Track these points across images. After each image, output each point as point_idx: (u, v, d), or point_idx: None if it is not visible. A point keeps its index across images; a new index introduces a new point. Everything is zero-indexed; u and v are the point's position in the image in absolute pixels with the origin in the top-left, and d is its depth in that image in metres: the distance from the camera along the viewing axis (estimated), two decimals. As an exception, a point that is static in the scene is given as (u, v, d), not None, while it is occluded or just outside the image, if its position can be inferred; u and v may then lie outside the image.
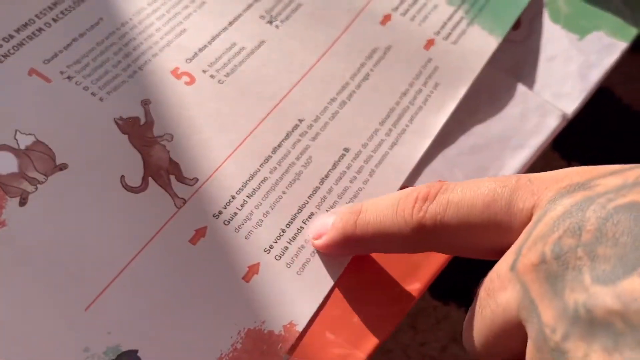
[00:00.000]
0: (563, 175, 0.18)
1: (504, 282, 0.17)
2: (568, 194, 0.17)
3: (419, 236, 0.20)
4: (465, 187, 0.19)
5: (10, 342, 0.20)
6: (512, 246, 0.18)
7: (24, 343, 0.20)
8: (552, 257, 0.16)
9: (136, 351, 0.21)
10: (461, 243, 0.20)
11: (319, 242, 0.23)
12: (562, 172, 0.18)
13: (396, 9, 0.30)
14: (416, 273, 0.24)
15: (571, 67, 0.32)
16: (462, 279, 0.38)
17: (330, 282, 0.23)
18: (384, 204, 0.21)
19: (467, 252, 0.21)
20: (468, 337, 0.19)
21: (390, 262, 0.24)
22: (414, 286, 0.24)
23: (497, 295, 0.17)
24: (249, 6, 0.30)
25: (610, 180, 0.17)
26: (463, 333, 0.20)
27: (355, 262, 0.24)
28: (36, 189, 0.23)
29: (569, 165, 0.51)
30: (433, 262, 0.24)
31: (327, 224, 0.23)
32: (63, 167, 0.24)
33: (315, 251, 0.24)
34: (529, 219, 0.18)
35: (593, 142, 0.51)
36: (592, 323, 0.14)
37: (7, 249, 0.22)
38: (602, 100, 0.33)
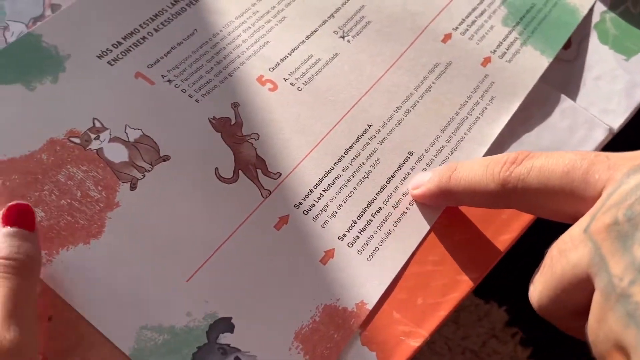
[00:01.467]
0: (637, 155, 0.21)
1: (576, 242, 0.20)
2: None
3: (503, 192, 0.23)
4: (549, 156, 0.22)
5: (128, 305, 0.24)
6: (587, 212, 0.20)
7: (139, 306, 0.24)
8: (624, 219, 0.18)
9: (230, 318, 0.24)
10: (539, 204, 0.23)
11: (417, 191, 0.27)
12: (637, 153, 0.21)
13: (456, 28, 0.33)
14: (473, 266, 0.27)
15: (618, 86, 0.34)
16: (504, 280, 0.40)
17: (397, 269, 0.26)
18: (476, 164, 0.25)
19: (543, 213, 0.23)
20: (536, 292, 0.22)
21: (449, 254, 0.27)
22: (471, 276, 0.27)
23: (569, 254, 0.20)
24: (324, 22, 0.33)
25: None
26: (530, 289, 0.22)
27: (419, 252, 0.27)
28: (144, 176, 0.27)
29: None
30: (491, 256, 0.27)
31: (425, 178, 0.27)
32: (166, 158, 0.28)
33: (383, 240, 0.27)
34: (601, 191, 0.20)
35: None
36: None
37: (122, 226, 0.26)
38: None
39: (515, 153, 0.24)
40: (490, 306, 0.42)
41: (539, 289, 0.21)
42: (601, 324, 0.18)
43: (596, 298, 0.19)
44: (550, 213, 0.23)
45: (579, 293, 0.20)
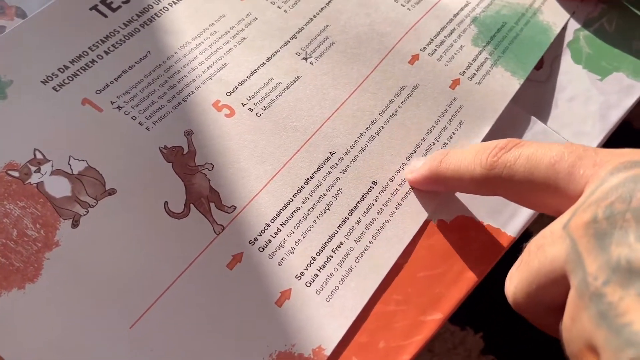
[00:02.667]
0: (625, 153, 0.20)
1: (555, 238, 0.19)
2: (625, 169, 0.19)
3: (488, 178, 0.23)
4: (539, 146, 0.22)
5: (61, 357, 0.22)
6: (569, 209, 0.20)
7: (78, 358, 0.22)
8: (603, 217, 0.18)
9: (176, 368, 0.23)
10: (523, 193, 0.23)
11: (411, 175, 0.28)
12: (626, 150, 0.20)
13: (424, 49, 0.32)
14: (437, 305, 0.25)
15: (592, 107, 0.33)
16: (479, 306, 0.39)
17: (357, 309, 0.25)
18: (467, 150, 0.25)
19: (527, 203, 0.24)
20: (512, 286, 0.21)
21: (412, 294, 0.26)
22: (435, 317, 0.25)
23: (547, 249, 0.20)
24: (286, 43, 0.31)
25: None
26: (506, 283, 0.22)
27: (381, 291, 0.25)
28: (87, 212, 0.25)
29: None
30: (457, 293, 0.26)
31: (419, 164, 0.28)
32: (112, 192, 0.26)
33: (343, 278, 0.25)
34: (584, 187, 0.20)
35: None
36: (630, 272, 0.16)
37: (60, 268, 0.24)
38: (620, 133, 0.35)
39: (506, 140, 0.24)
40: (465, 333, 0.40)
41: (514, 284, 0.21)
42: (575, 323, 0.18)
43: (571, 295, 0.18)
44: (533, 204, 0.23)
45: (554, 289, 0.20)
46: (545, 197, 0.22)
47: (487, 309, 0.39)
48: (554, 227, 0.20)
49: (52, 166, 0.26)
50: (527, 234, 0.27)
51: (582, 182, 0.20)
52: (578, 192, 0.20)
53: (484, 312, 0.39)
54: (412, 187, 0.28)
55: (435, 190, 0.28)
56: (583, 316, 0.17)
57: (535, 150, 0.22)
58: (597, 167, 0.20)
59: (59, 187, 0.26)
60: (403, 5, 0.34)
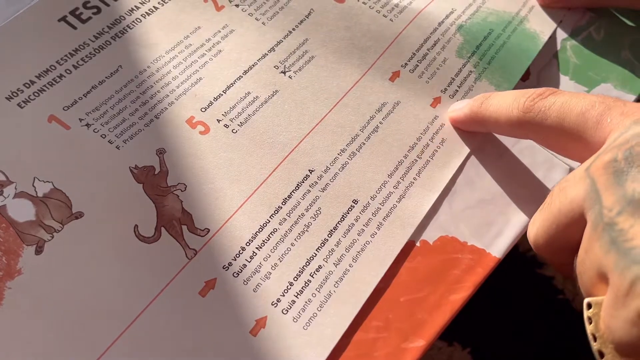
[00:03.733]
0: None
1: (576, 180, 0.21)
2: None
3: (522, 121, 0.25)
4: (573, 95, 0.24)
5: (23, 393, 0.21)
6: (594, 155, 0.21)
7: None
8: (622, 158, 0.19)
9: (144, 404, 0.21)
10: (552, 138, 0.24)
11: (453, 114, 0.29)
12: None
13: (405, 65, 0.31)
14: (420, 331, 0.24)
15: (579, 120, 0.32)
16: (467, 321, 0.38)
17: (335, 338, 0.24)
18: (508, 94, 0.27)
19: (555, 148, 0.25)
20: (533, 228, 0.23)
21: (393, 319, 0.25)
22: (417, 344, 0.24)
23: (568, 190, 0.21)
24: (264, 56, 0.30)
25: None
26: (529, 227, 0.24)
27: (361, 317, 0.24)
28: (52, 237, 0.24)
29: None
30: (437, 320, 0.25)
31: (462, 104, 0.29)
32: (79, 215, 0.25)
33: (322, 304, 0.24)
34: (609, 134, 0.22)
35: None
36: None
37: (23, 298, 0.23)
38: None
39: (544, 88, 0.25)
40: (453, 348, 0.39)
41: (536, 225, 0.23)
42: (587, 254, 0.19)
43: (586, 230, 0.19)
44: (561, 148, 0.25)
45: (573, 229, 0.21)
46: (573, 143, 0.23)
47: (475, 325, 0.38)
48: (577, 171, 0.21)
49: (16, 188, 0.25)
50: (516, 252, 0.26)
51: (608, 129, 0.22)
52: (603, 139, 0.22)
53: (472, 328, 0.39)
54: (455, 126, 0.29)
55: (475, 130, 0.29)
56: (595, 246, 0.19)
57: (569, 98, 0.24)
58: (624, 117, 0.21)
59: (22, 211, 0.24)
60: (385, 16, 0.32)
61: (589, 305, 0.19)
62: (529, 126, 0.25)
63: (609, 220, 0.18)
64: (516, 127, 0.26)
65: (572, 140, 0.23)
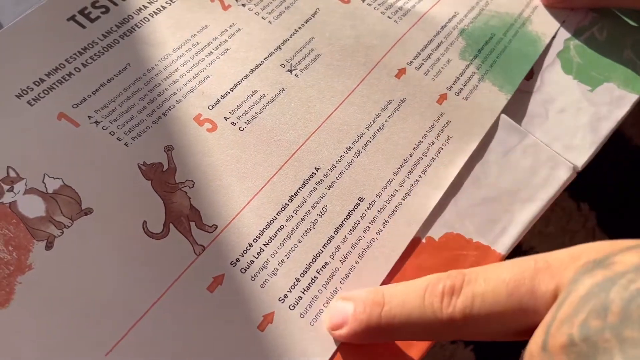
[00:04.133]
0: (579, 253, 0.19)
1: None
2: (588, 273, 0.18)
3: (450, 329, 0.21)
4: (487, 276, 0.21)
5: (34, 386, 0.21)
6: (540, 325, 0.19)
7: (47, 388, 0.21)
8: (580, 339, 0.17)
9: (153, 397, 0.22)
10: (490, 330, 0.21)
11: (341, 332, 0.23)
12: (579, 249, 0.19)
13: (410, 63, 0.31)
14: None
15: (582, 119, 0.32)
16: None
17: (342, 333, 0.24)
18: (408, 296, 0.22)
19: (496, 337, 0.21)
20: None
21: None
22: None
23: None
24: (270, 54, 0.31)
25: (628, 257, 0.17)
26: None
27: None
28: (62, 233, 0.24)
29: (578, 205, 0.51)
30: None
31: (346, 313, 0.23)
32: (88, 211, 0.25)
33: (328, 300, 0.24)
34: (553, 299, 0.19)
35: (602, 180, 0.52)
36: None
37: (33, 293, 0.23)
38: (611, 141, 0.34)
39: (449, 277, 0.21)
40: (456, 346, 0.40)
41: None
42: None
43: None
44: (504, 335, 0.21)
45: None
46: (515, 324, 0.20)
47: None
48: (532, 350, 0.19)
49: (26, 184, 0.25)
50: (519, 250, 0.26)
51: (547, 295, 0.19)
52: (548, 304, 0.19)
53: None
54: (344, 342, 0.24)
55: (375, 342, 0.24)
56: None
57: (485, 284, 0.20)
58: (558, 277, 0.19)
59: (32, 207, 0.25)
60: (390, 18, 0.33)
61: None
62: (460, 331, 0.21)
63: None
64: (442, 335, 0.22)
65: (512, 322, 0.20)
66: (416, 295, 0.22)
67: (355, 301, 0.23)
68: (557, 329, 0.18)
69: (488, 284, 0.20)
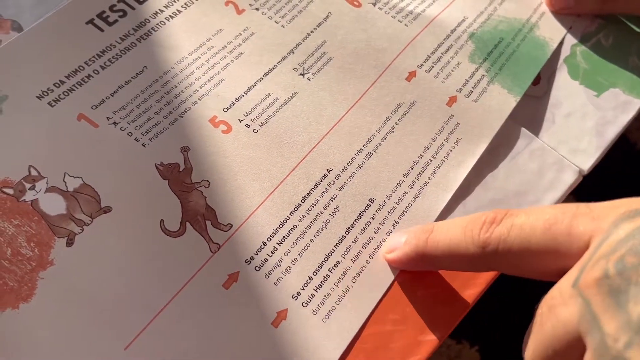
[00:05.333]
0: (621, 203, 0.20)
1: (565, 298, 0.19)
2: (629, 219, 0.18)
3: (484, 255, 0.22)
4: (529, 212, 0.21)
5: (56, 377, 0.22)
6: (575, 265, 0.19)
7: (70, 380, 0.22)
8: (615, 272, 0.17)
9: (171, 390, 0.22)
10: (522, 263, 0.21)
11: (391, 256, 0.25)
12: (620, 201, 0.20)
13: (421, 65, 0.32)
14: (436, 324, 0.25)
15: (588, 124, 0.33)
16: (475, 320, 0.39)
17: (354, 330, 0.25)
18: (453, 225, 0.23)
19: (528, 273, 0.22)
20: (529, 353, 0.20)
21: (410, 313, 0.25)
22: (433, 336, 0.25)
23: (558, 311, 0.19)
24: (283, 58, 0.31)
25: None
26: (523, 349, 0.21)
27: (378, 311, 0.25)
28: (82, 230, 0.25)
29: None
30: (456, 312, 0.26)
31: (399, 241, 0.25)
32: (107, 209, 0.26)
33: (340, 298, 0.25)
34: (588, 243, 0.19)
35: (607, 183, 0.52)
36: None
37: (54, 288, 0.24)
38: (617, 145, 0.35)
39: (494, 212, 0.22)
40: (461, 346, 0.40)
41: (531, 349, 0.20)
42: None
43: (588, 359, 0.17)
44: (534, 272, 0.22)
45: (572, 353, 0.18)
46: (547, 263, 0.21)
47: (483, 323, 0.39)
48: (563, 286, 0.19)
49: (47, 183, 0.26)
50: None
51: (585, 238, 0.19)
52: (582, 248, 0.19)
53: (480, 326, 0.39)
54: (395, 267, 0.26)
55: (420, 270, 0.26)
56: None
57: (526, 218, 0.21)
58: (598, 221, 0.19)
59: (53, 205, 0.25)
60: (400, 22, 0.34)
61: None
62: (493, 260, 0.22)
63: (617, 354, 0.16)
64: (478, 264, 0.23)
65: (544, 259, 0.21)
66: (460, 225, 0.23)
67: (408, 232, 0.25)
68: (592, 266, 0.18)
69: (528, 218, 0.21)
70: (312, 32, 0.33)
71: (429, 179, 0.29)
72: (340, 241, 0.27)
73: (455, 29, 0.34)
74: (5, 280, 0.23)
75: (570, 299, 0.18)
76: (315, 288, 0.25)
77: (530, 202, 0.30)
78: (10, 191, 0.25)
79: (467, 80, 0.32)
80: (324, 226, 0.27)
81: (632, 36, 0.36)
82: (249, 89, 0.30)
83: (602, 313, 0.17)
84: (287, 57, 0.31)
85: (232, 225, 0.26)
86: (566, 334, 0.18)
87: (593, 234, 0.19)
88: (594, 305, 0.17)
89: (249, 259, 0.25)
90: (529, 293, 0.41)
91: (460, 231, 0.23)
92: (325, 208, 0.27)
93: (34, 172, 0.26)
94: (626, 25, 0.37)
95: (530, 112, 0.33)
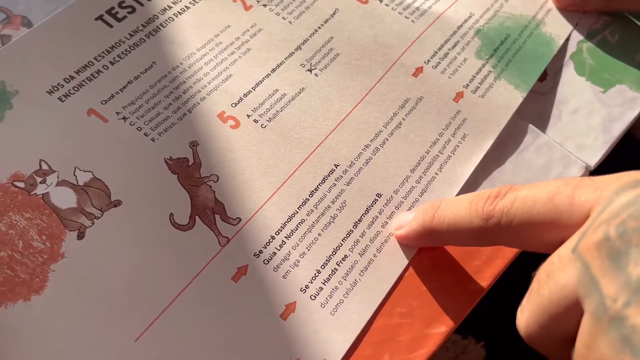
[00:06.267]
0: (622, 175, 0.20)
1: (564, 263, 0.19)
2: (630, 188, 0.19)
3: (487, 228, 0.22)
4: (532, 186, 0.22)
5: (68, 368, 0.22)
6: (576, 232, 0.19)
7: (81, 370, 0.22)
8: (616, 235, 0.17)
9: (181, 381, 0.23)
10: (524, 235, 0.22)
11: (400, 232, 0.26)
12: (621, 174, 0.20)
13: (428, 61, 0.32)
14: (442, 318, 0.25)
15: (594, 120, 0.33)
16: (481, 316, 0.39)
17: (362, 323, 0.25)
18: (460, 201, 0.24)
19: (530, 245, 0.22)
20: (523, 319, 0.20)
21: (416, 306, 0.26)
22: (439, 329, 0.25)
23: (557, 276, 0.19)
24: (291, 54, 0.32)
25: None
26: (517, 316, 0.21)
27: (386, 304, 0.25)
28: (93, 223, 0.25)
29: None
30: (459, 307, 0.26)
31: (408, 218, 0.26)
32: (117, 203, 0.26)
33: (348, 291, 0.25)
34: (588, 213, 0.19)
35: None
36: None
37: (65, 280, 0.24)
38: (623, 141, 0.35)
39: (499, 187, 0.23)
40: (467, 342, 0.40)
41: (526, 316, 0.20)
42: (590, 350, 0.17)
43: (585, 322, 0.17)
44: (537, 244, 0.22)
45: (568, 318, 0.19)
46: (549, 234, 0.21)
47: (489, 318, 0.39)
48: (562, 252, 0.19)
49: (58, 177, 0.26)
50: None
51: (586, 207, 0.20)
52: (582, 219, 0.20)
53: (486, 321, 0.40)
54: (403, 244, 0.27)
55: (429, 245, 0.27)
56: (601, 342, 0.16)
57: (529, 190, 0.21)
58: (599, 191, 0.19)
59: (64, 198, 0.26)
60: (407, 18, 0.34)
61: None
62: (496, 233, 0.22)
63: (615, 314, 0.16)
64: (481, 237, 0.23)
65: (545, 231, 0.21)
66: (466, 200, 0.24)
67: (417, 210, 0.26)
68: (592, 230, 0.18)
69: (531, 191, 0.21)
70: (319, 28, 0.33)
71: (436, 174, 0.29)
72: (347, 235, 0.27)
73: (461, 25, 0.34)
74: (17, 272, 0.24)
75: (569, 263, 0.18)
76: (323, 281, 0.25)
77: (536, 198, 0.30)
78: (22, 185, 0.26)
79: (474, 76, 0.32)
80: (331, 220, 0.27)
81: (638, 33, 0.37)
82: (257, 84, 0.30)
83: (602, 276, 0.17)
84: (294, 53, 0.32)
85: (240, 219, 0.26)
86: (564, 299, 0.18)
87: (595, 203, 0.19)
88: (593, 268, 0.17)
89: (257, 253, 0.26)
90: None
91: (465, 206, 0.23)
92: (332, 202, 0.28)
93: (44, 166, 0.26)
94: (632, 22, 0.37)
95: (536, 108, 0.33)
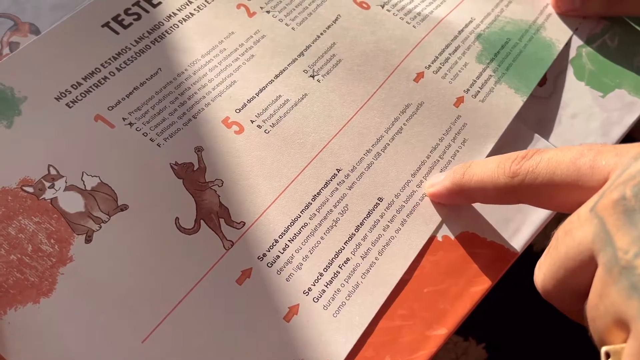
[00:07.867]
0: None
1: (582, 221, 0.20)
2: None
3: (512, 185, 0.24)
4: (558, 149, 0.23)
5: (77, 369, 0.23)
6: (596, 193, 0.20)
7: (90, 371, 0.23)
8: (632, 195, 0.18)
9: (187, 382, 0.23)
10: (546, 195, 0.23)
11: (432, 189, 0.28)
12: None
13: (429, 67, 0.33)
14: (442, 320, 0.26)
15: (594, 124, 0.34)
16: (482, 317, 0.39)
17: (364, 325, 0.25)
18: (489, 161, 0.26)
19: (551, 205, 0.24)
20: (540, 274, 0.22)
21: (417, 309, 0.26)
22: (440, 331, 0.26)
23: (574, 233, 0.20)
24: (294, 60, 0.32)
25: None
26: (535, 272, 0.22)
27: (387, 306, 0.26)
28: (100, 227, 0.26)
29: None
30: (459, 310, 0.26)
31: (440, 177, 0.28)
32: (124, 207, 0.27)
33: (350, 294, 0.26)
34: (608, 176, 0.21)
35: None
36: None
37: (74, 283, 0.24)
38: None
39: (526, 150, 0.24)
40: (468, 344, 0.41)
41: (543, 271, 0.21)
42: (602, 299, 0.18)
43: (598, 273, 0.18)
44: (557, 204, 0.23)
45: (583, 273, 0.20)
46: (569, 195, 0.22)
47: (490, 320, 0.39)
48: (581, 211, 0.20)
49: (66, 182, 0.27)
50: (531, 252, 0.27)
51: (606, 170, 0.21)
52: (602, 181, 0.21)
53: (487, 323, 0.40)
54: (433, 201, 0.29)
55: (458, 204, 0.28)
56: (612, 291, 0.18)
57: (554, 153, 0.23)
58: (620, 156, 0.21)
59: (72, 203, 0.26)
60: (408, 23, 0.34)
61: (607, 355, 0.18)
62: (520, 190, 0.24)
63: (626, 264, 0.17)
64: (506, 194, 0.25)
65: (566, 191, 0.22)
66: (494, 161, 0.25)
67: (449, 170, 0.28)
68: (610, 191, 0.19)
69: (556, 153, 0.23)
70: (321, 34, 0.33)
71: (437, 178, 0.29)
72: (350, 239, 0.27)
73: (462, 30, 0.34)
74: (27, 275, 0.24)
75: (586, 221, 0.19)
76: (326, 284, 0.26)
77: (536, 201, 0.30)
78: (31, 189, 0.26)
79: (475, 81, 0.32)
80: (334, 224, 0.28)
81: (638, 37, 0.37)
82: (261, 90, 0.31)
83: (616, 231, 0.18)
84: (297, 59, 0.32)
85: (244, 223, 0.27)
86: (580, 254, 0.19)
87: (614, 167, 0.21)
88: (608, 224, 0.18)
89: (261, 256, 0.26)
90: (536, 293, 0.41)
91: (494, 165, 0.25)
92: (335, 207, 0.28)
93: (53, 171, 0.27)
94: (631, 27, 0.37)
95: (536, 113, 0.33)
